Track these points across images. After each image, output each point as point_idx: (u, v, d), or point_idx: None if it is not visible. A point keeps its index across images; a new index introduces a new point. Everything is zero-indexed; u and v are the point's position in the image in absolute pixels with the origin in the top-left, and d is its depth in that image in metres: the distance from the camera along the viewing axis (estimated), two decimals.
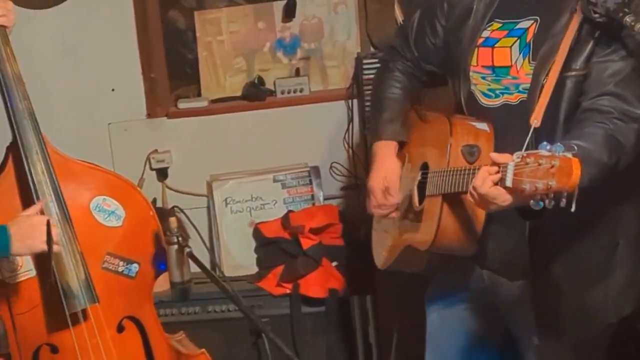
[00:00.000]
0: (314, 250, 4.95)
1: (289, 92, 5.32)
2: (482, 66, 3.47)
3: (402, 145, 3.85)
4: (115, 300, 3.94)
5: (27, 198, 3.75)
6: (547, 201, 2.74)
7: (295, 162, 5.26)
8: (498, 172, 2.93)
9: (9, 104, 3.73)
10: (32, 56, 4.86)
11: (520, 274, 3.45)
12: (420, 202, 3.61)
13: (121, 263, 3.96)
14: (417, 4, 3.92)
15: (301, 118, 5.23)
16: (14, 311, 3.74)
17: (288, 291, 4.92)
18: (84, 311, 3.80)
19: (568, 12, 3.21)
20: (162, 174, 5.33)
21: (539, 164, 2.73)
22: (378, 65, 4.28)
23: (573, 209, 2.71)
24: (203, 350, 4.15)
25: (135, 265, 4.01)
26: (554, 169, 2.69)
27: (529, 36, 3.34)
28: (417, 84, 3.92)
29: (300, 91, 5.33)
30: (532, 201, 2.78)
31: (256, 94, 5.34)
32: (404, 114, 3.86)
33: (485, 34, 3.48)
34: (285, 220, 5.15)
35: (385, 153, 3.83)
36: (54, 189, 3.75)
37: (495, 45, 3.43)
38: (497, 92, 3.45)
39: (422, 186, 3.62)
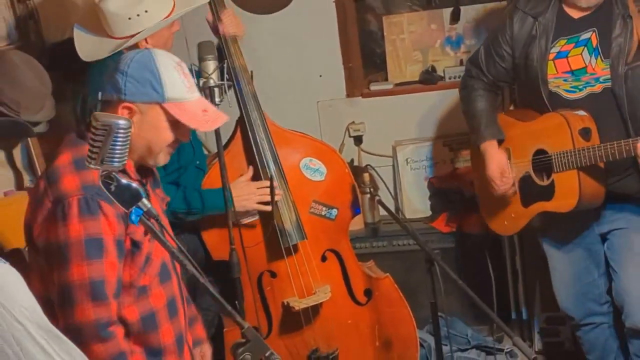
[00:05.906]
0: (474, 198, 4.69)
1: (455, 78, 5.10)
2: (562, 72, 3.60)
3: (499, 142, 3.89)
4: (319, 237, 3.93)
5: (251, 159, 3.80)
6: None
7: (459, 131, 5.01)
8: None
9: (237, 88, 3.78)
10: (259, 51, 4.89)
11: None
12: (542, 179, 3.68)
13: (324, 208, 3.93)
14: None
15: None
16: (244, 245, 3.73)
17: (454, 229, 4.79)
18: (295, 246, 3.82)
19: (620, 18, 3.44)
20: (358, 140, 5.18)
21: None
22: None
23: None
24: (388, 274, 4.08)
25: (335, 210, 3.96)
26: None
27: (594, 42, 3.51)
28: (494, 95, 4.00)
29: None
30: None
31: (430, 79, 5.17)
32: (495, 119, 3.92)
33: (555, 49, 3.60)
34: (452, 175, 5.03)
35: (492, 149, 3.87)
36: (272, 152, 3.79)
37: (568, 56, 3.58)
38: (580, 87, 3.57)
39: (536, 168, 3.70)
